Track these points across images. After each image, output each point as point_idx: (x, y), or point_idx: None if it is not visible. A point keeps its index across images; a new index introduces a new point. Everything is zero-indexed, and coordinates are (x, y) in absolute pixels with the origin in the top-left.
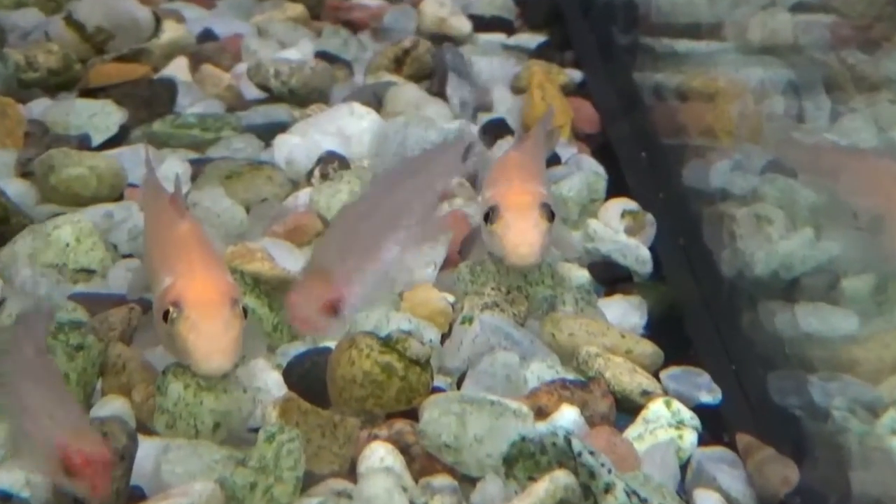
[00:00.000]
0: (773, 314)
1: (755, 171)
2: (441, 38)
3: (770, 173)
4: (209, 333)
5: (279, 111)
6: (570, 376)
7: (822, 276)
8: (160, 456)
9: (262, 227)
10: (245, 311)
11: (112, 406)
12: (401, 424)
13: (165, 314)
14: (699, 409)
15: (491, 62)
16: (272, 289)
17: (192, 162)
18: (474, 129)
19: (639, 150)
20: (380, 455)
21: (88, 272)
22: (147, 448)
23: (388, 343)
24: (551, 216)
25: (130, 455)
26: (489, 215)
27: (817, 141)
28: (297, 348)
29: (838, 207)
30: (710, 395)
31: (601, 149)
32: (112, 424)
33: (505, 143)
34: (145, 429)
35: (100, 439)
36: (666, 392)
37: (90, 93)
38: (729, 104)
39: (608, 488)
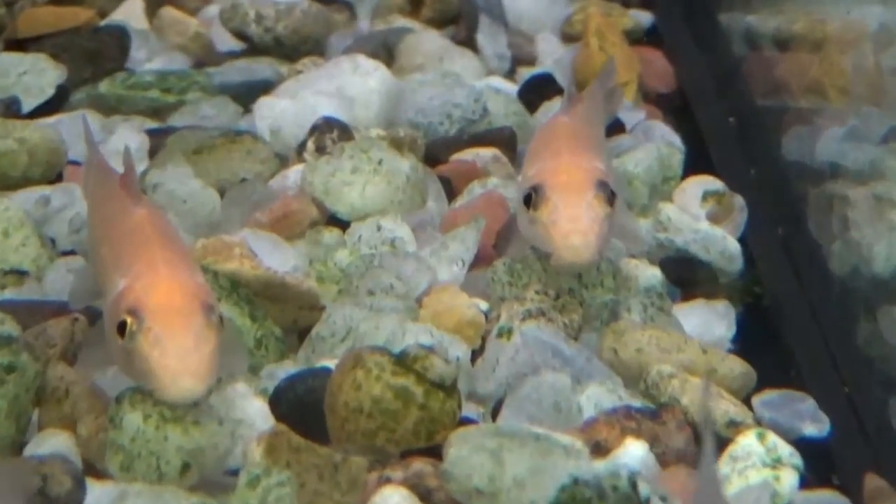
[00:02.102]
0: None
1: (875, 140)
2: None
3: (894, 142)
4: (177, 349)
5: (262, 66)
6: (637, 403)
7: None
8: None
9: (242, 216)
10: (222, 320)
11: (53, 442)
12: (420, 464)
13: (121, 326)
14: (801, 444)
15: (535, 2)
16: (255, 294)
17: (151, 132)
18: (512, 88)
19: (725, 114)
20: (393, 503)
21: (19, 274)
22: (97, 495)
23: (403, 362)
24: (611, 198)
25: (76, 503)
26: (531, 198)
27: None
28: (286, 369)
29: None
30: (815, 425)
31: (677, 113)
32: (53, 465)
33: (552, 106)
34: (95, 470)
35: None
36: (759, 422)
37: (18, 44)
38: (841, 54)
39: None
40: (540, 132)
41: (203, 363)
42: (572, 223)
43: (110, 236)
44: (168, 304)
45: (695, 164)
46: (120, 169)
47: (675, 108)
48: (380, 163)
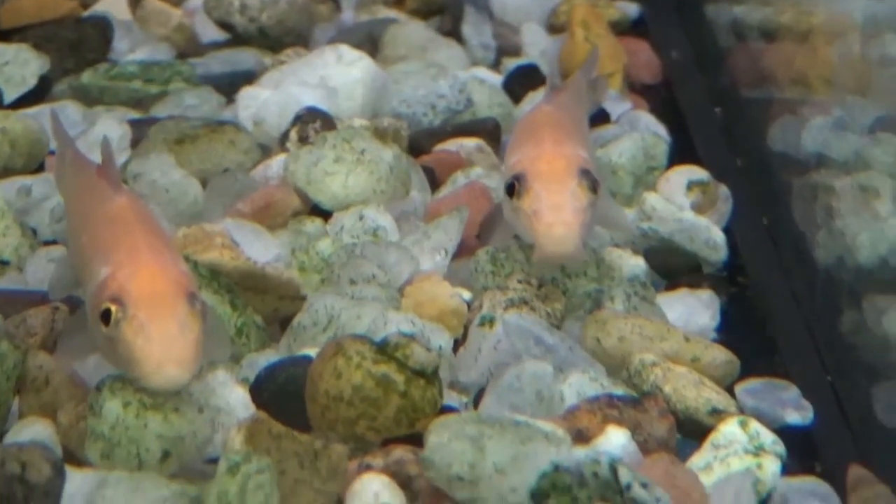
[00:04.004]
0: (880, 312)
1: (860, 130)
2: None
3: (879, 132)
4: (161, 338)
5: (245, 57)
6: (619, 391)
7: None
8: (94, 492)
9: (224, 206)
10: (205, 307)
11: (33, 430)
12: (401, 452)
13: (104, 314)
14: (784, 432)
15: None
16: (235, 283)
17: (133, 123)
18: (497, 79)
19: (711, 104)
20: (373, 490)
21: (1, 263)
22: (77, 482)
23: (384, 350)
24: (594, 187)
25: (56, 491)
26: (514, 187)
27: None
28: (268, 358)
29: None
30: (798, 413)
31: (663, 104)
32: (33, 452)
33: (537, 97)
34: (75, 458)
35: None
36: (742, 410)
37: (1, 35)
38: (828, 45)
39: None
40: (522, 121)
41: (187, 351)
42: (555, 213)
43: (91, 225)
44: (152, 292)
45: (681, 154)
46: (99, 159)
47: (662, 98)
48: (362, 153)
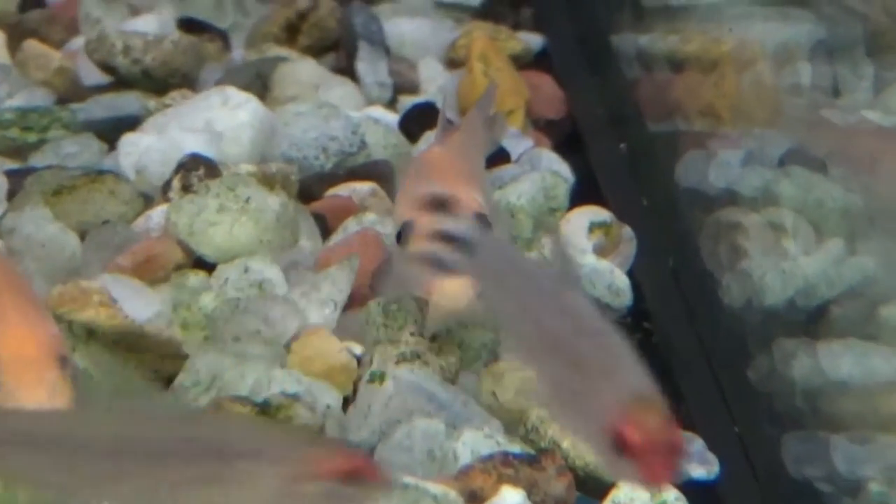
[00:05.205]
0: (790, 356)
1: (770, 164)
2: None
3: (790, 166)
4: (31, 403)
5: (128, 101)
6: (516, 449)
7: (857, 303)
8: None
9: (103, 260)
10: (76, 371)
11: None
12: None
13: None
14: (689, 487)
15: (418, 26)
16: (113, 343)
17: (10, 173)
18: (393, 118)
19: (616, 139)
20: None
21: None
22: None
23: (266, 411)
24: None
25: None
26: (402, 234)
27: (855, 121)
28: None
29: (879, 210)
30: (703, 467)
31: (567, 140)
32: None
33: (433, 136)
34: None
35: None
36: None
37: None
38: (737, 74)
39: None
40: (413, 163)
41: None
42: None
43: None
44: (20, 356)
45: (585, 193)
46: None
47: (566, 135)
48: (247, 201)
